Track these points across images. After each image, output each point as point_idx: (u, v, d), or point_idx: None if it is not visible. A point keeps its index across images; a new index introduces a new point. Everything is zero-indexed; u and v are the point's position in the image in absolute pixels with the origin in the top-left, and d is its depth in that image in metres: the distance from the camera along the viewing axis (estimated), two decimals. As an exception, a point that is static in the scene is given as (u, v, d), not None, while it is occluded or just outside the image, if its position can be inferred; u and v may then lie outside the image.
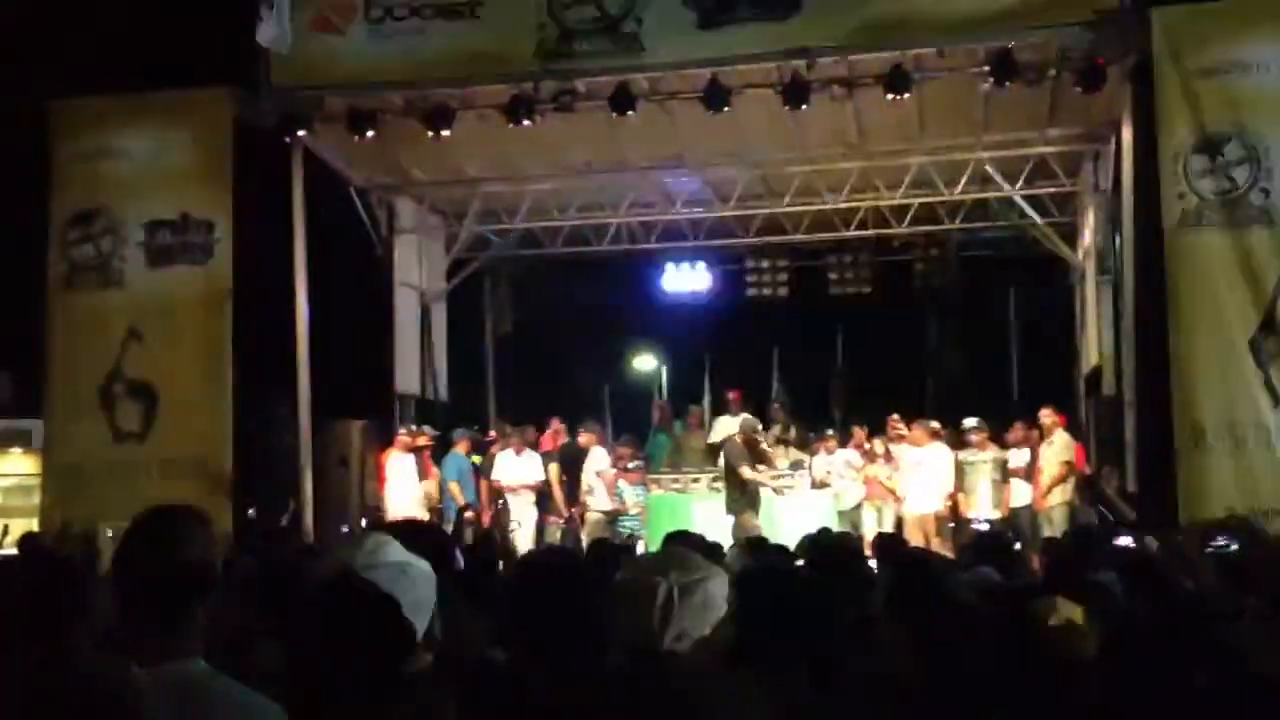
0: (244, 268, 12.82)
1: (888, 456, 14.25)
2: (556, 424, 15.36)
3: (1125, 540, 9.06)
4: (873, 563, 7.76)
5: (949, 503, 13.62)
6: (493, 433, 15.42)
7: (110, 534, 10.88)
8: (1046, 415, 13.57)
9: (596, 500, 14.20)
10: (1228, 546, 7.14)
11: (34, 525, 12.91)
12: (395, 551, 2.86)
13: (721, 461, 13.87)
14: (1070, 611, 4.41)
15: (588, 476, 14.30)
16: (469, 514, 13.83)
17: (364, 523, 13.20)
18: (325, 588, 2.63)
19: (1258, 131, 11.18)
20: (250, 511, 10.20)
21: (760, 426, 14.24)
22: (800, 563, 6.55)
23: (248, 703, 2.55)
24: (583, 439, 14.57)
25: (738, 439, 13.77)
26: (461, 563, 3.72)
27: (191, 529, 2.69)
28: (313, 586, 2.71)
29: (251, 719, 2.53)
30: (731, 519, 13.19)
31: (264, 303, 13.10)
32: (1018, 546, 12.10)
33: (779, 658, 3.44)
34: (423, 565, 2.87)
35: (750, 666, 3.27)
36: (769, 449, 14.29)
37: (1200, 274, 11.24)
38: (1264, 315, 11.05)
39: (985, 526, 12.97)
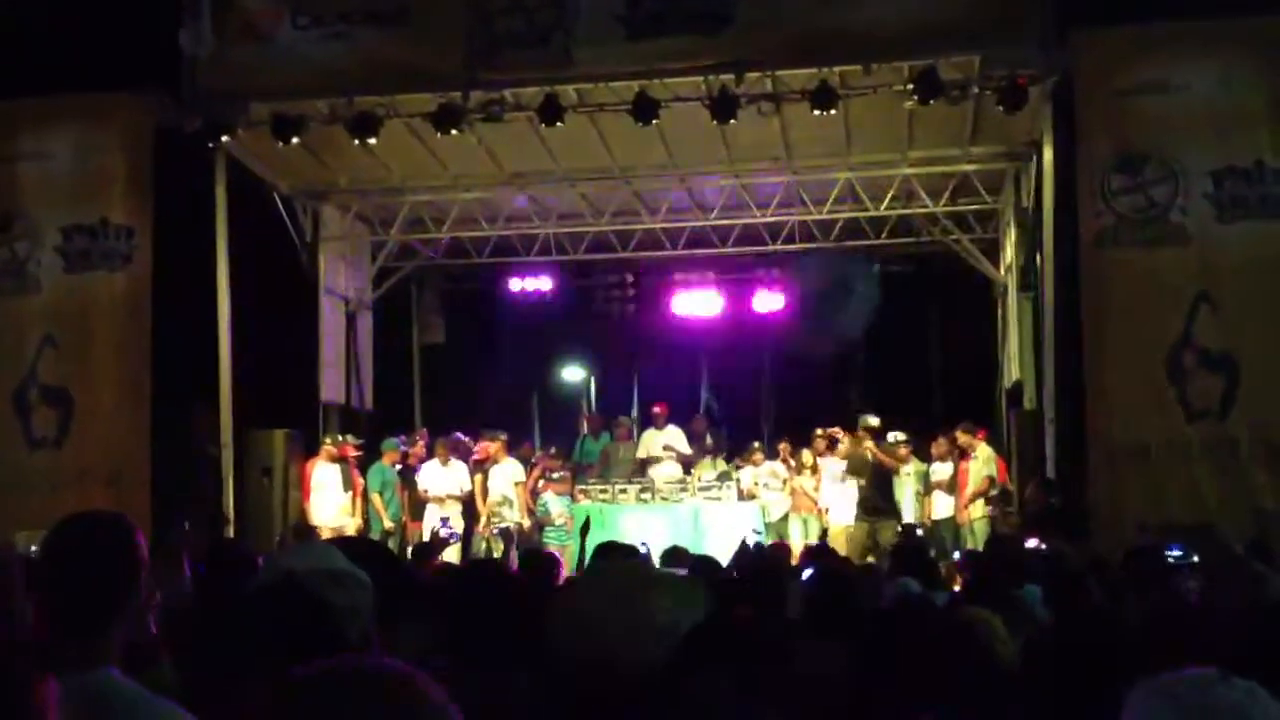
0: (165, 274, 12.61)
1: (814, 469, 14.35)
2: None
3: (1040, 548, 9.22)
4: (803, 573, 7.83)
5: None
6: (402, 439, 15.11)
7: (19, 542, 10.63)
8: (962, 437, 13.70)
9: (511, 513, 14.05)
10: (1189, 557, 7.19)
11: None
12: (335, 559, 2.84)
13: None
14: (991, 622, 4.46)
15: (501, 487, 14.13)
16: (389, 525, 13.70)
17: (289, 533, 13.00)
18: (257, 592, 2.60)
19: (1177, 151, 11.40)
20: (186, 525, 10.10)
21: (875, 422, 13.94)
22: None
23: (159, 711, 2.50)
24: (492, 447, 14.35)
25: (863, 451, 13.67)
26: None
27: (114, 535, 2.64)
28: (250, 591, 2.68)
29: None
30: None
31: (185, 310, 12.89)
32: (955, 557, 12.31)
33: (707, 666, 3.45)
34: (360, 574, 2.85)
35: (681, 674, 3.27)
36: (886, 450, 13.88)
37: (1118, 291, 11.44)
38: (1180, 333, 11.27)
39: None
